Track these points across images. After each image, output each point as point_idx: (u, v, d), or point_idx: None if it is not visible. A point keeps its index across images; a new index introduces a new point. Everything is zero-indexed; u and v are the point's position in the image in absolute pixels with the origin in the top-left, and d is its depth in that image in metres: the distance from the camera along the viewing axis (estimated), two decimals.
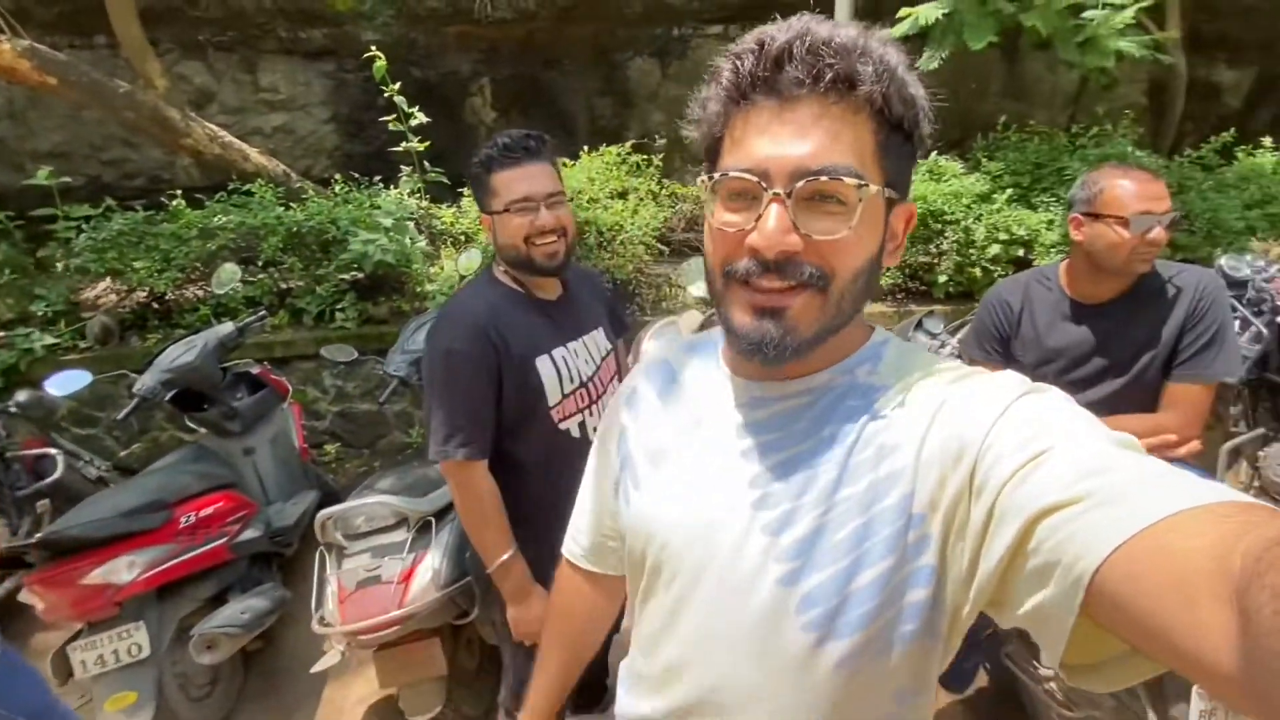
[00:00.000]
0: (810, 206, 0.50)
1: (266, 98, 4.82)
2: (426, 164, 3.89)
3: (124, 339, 3.30)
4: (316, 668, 1.86)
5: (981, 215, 3.55)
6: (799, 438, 0.57)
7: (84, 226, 3.31)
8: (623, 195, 3.86)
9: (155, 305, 3.45)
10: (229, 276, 3.01)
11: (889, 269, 0.60)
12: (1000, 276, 3.48)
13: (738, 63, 0.51)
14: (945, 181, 3.72)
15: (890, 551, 0.51)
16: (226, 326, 2.38)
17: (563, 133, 5.01)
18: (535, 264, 1.21)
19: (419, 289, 3.44)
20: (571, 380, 1.26)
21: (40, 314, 3.24)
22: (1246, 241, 3.57)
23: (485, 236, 1.29)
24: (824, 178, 0.48)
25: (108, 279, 3.43)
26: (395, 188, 3.93)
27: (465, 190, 3.61)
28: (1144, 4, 3.69)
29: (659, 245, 3.74)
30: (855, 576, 0.52)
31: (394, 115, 3.68)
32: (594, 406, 1.31)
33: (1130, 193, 1.39)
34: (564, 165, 3.86)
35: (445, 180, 3.89)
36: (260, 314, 2.63)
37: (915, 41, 4.08)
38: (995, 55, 5.34)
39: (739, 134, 0.52)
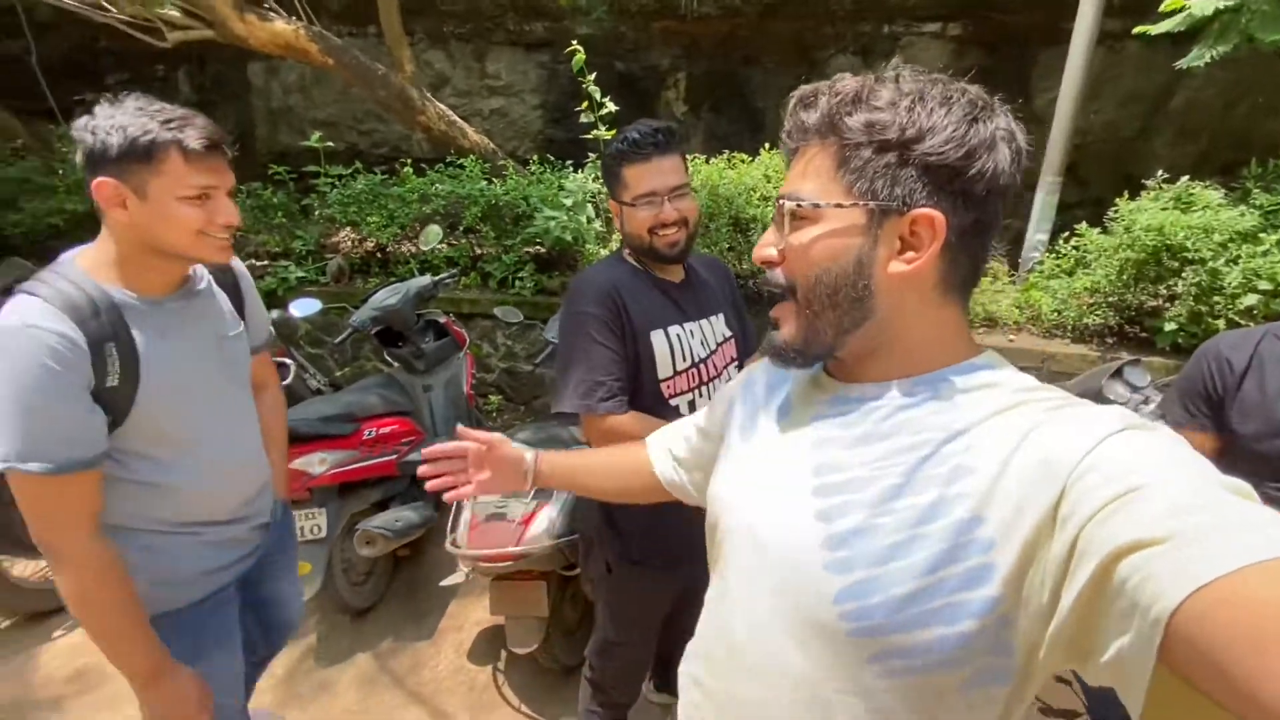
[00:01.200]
0: (788, 225, 0.60)
1: (490, 83, 5.42)
2: None
3: (352, 279, 3.96)
4: (445, 582, 2.11)
5: (1239, 257, 2.92)
6: (866, 439, 0.59)
7: (336, 183, 4.01)
8: None
9: (379, 254, 4.07)
10: (434, 237, 3.46)
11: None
12: None
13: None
14: (1194, 213, 3.11)
15: (939, 568, 0.51)
16: (426, 279, 2.76)
17: (750, 129, 5.00)
18: (658, 253, 1.28)
19: (589, 266, 3.68)
20: (684, 358, 1.29)
21: (298, 251, 4.01)
22: None
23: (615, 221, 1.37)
24: (781, 200, 0.60)
25: (348, 228, 4.12)
26: (581, 171, 4.22)
27: None
28: None
29: None
30: (897, 585, 0.52)
31: (587, 104, 3.95)
32: (705, 388, 1.33)
33: None
34: (742, 161, 3.88)
35: None
36: (454, 273, 3.01)
37: (1180, 41, 3.44)
38: None
39: None
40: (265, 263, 4.05)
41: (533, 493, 1.86)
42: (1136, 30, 3.65)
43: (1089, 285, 3.33)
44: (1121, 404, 2.02)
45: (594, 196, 3.95)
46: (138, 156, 1.01)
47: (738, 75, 5.14)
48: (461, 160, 4.15)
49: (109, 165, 1.02)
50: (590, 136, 4.02)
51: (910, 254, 0.57)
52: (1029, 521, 0.47)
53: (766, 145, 3.96)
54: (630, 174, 1.26)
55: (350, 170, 4.09)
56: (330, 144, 4.15)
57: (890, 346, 0.60)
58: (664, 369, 1.28)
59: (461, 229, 3.90)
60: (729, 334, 1.40)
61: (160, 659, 1.10)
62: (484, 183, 3.90)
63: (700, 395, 1.32)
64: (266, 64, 5.40)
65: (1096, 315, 3.31)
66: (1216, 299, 2.94)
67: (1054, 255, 3.73)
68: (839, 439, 0.61)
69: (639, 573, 1.39)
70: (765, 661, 0.61)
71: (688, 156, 1.62)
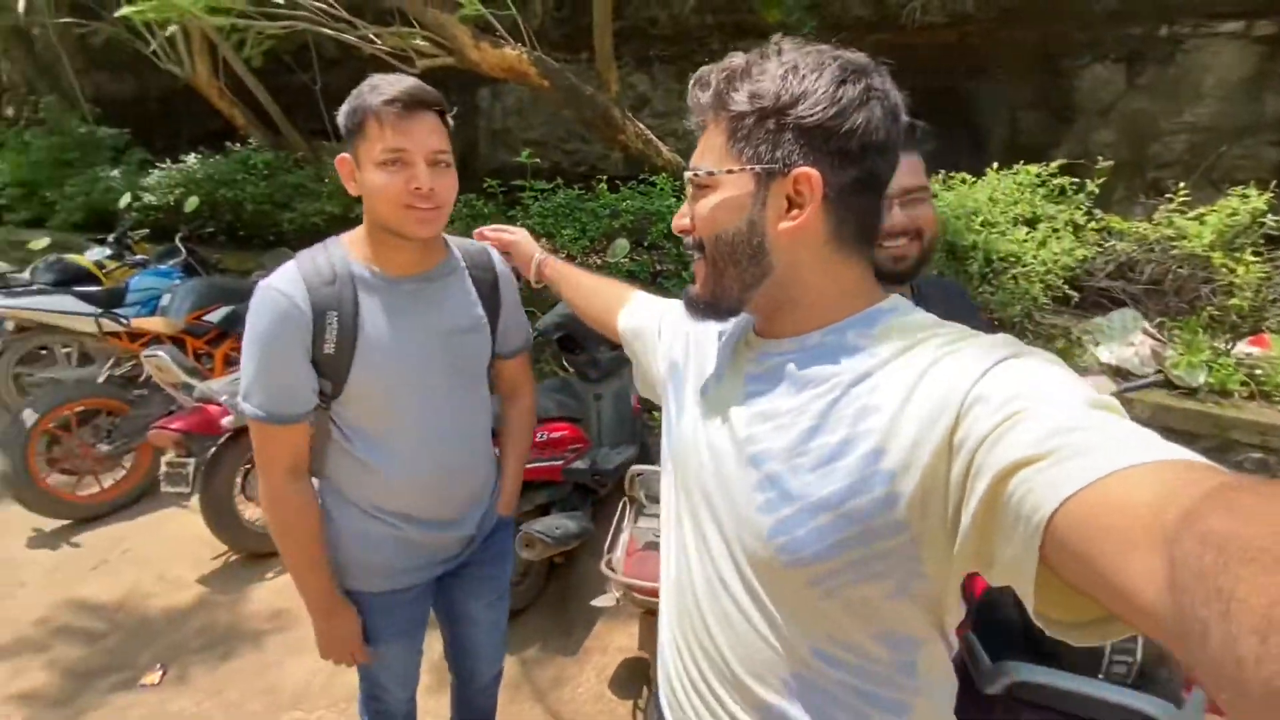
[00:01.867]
0: (694, 196, 0.68)
1: (686, 105, 5.48)
2: None
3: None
4: (596, 602, 2.02)
5: None
6: (785, 389, 0.65)
7: (539, 197, 4.26)
8: (1031, 223, 3.21)
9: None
10: (620, 251, 3.51)
11: None
12: None
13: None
14: None
15: (850, 499, 0.57)
16: None
17: (970, 148, 4.44)
18: (881, 269, 1.04)
19: None
20: None
21: None
22: None
23: None
24: (686, 173, 0.68)
25: (545, 238, 4.36)
26: None
27: None
28: None
29: (1066, 289, 3.00)
30: (815, 516, 0.58)
31: None
32: None
33: None
34: (962, 182, 3.42)
35: None
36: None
37: None
38: None
39: None
40: None
41: None
42: None
43: None
44: None
45: None
46: (352, 127, 1.04)
47: (958, 89, 4.60)
48: (654, 178, 4.19)
49: (345, 142, 1.07)
50: None
51: (795, 211, 0.62)
52: (927, 450, 0.53)
53: (995, 165, 3.45)
54: None
55: (552, 185, 4.33)
56: (538, 161, 4.43)
57: (795, 302, 0.66)
58: None
59: (646, 244, 3.91)
60: None
61: (329, 597, 1.19)
62: (672, 200, 3.89)
63: None
64: (492, 89, 5.99)
65: None
66: None
67: None
68: (764, 391, 0.67)
69: None
70: (728, 607, 0.68)
71: None
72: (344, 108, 1.05)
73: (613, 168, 5.46)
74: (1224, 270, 2.86)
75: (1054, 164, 3.35)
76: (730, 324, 0.77)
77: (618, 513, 1.89)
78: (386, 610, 1.26)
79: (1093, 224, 3.21)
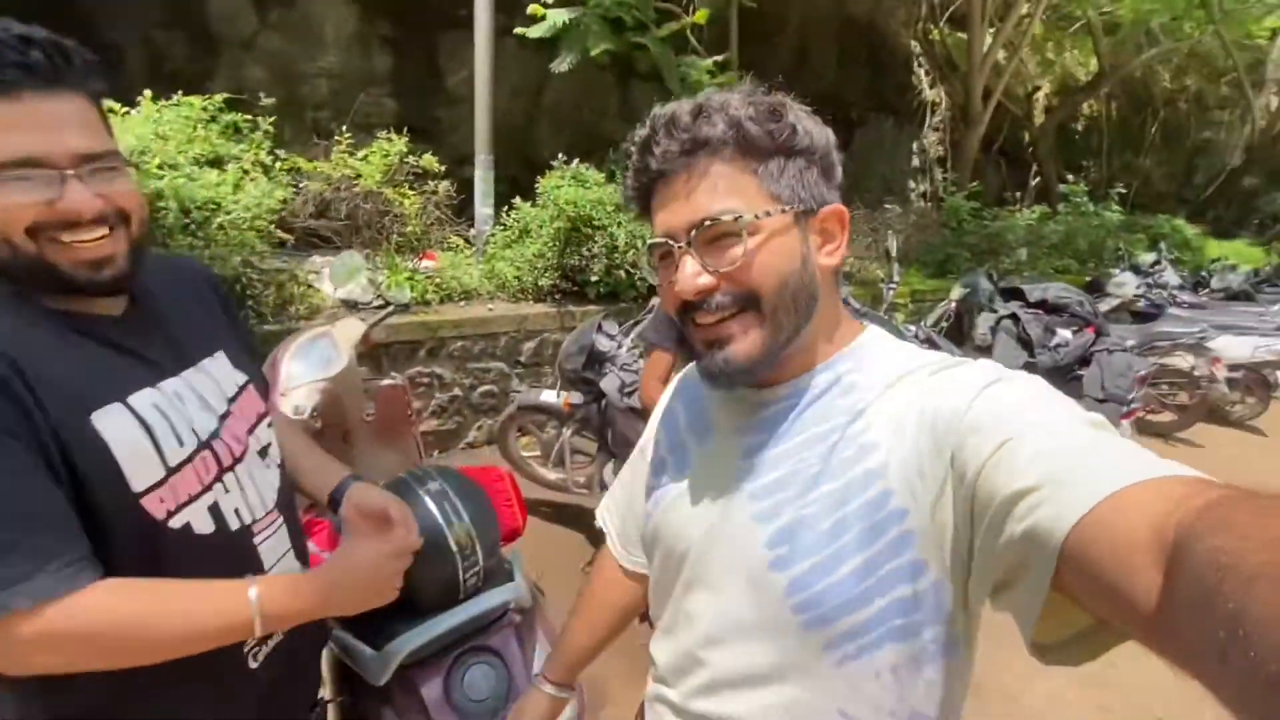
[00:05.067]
0: (713, 248, 0.58)
1: None
2: None
3: None
4: None
5: (622, 222, 3.86)
6: (785, 437, 0.62)
7: None
8: (216, 163, 2.92)
9: None
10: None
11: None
12: (641, 280, 3.85)
13: (628, 162, 0.61)
14: (589, 189, 3.93)
15: (867, 546, 0.54)
16: None
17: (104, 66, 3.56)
18: (73, 279, 0.68)
19: None
20: (179, 443, 0.74)
21: None
22: None
23: None
24: (707, 223, 0.57)
25: None
26: None
27: None
28: (722, 62, 4.55)
29: (278, 233, 2.96)
30: (836, 568, 0.55)
31: None
32: (232, 475, 0.81)
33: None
34: (113, 112, 2.72)
35: None
36: None
37: (542, 46, 4.20)
38: (611, 80, 5.96)
39: (654, 213, 0.62)
40: None
41: None
42: (517, 31, 4.25)
43: (536, 252, 3.84)
44: (609, 350, 2.39)
45: None
46: None
47: None
48: None
49: None
50: None
51: (829, 246, 0.61)
52: (931, 486, 0.52)
53: (147, 93, 2.89)
54: None
55: None
56: None
57: (803, 344, 0.62)
58: (141, 474, 0.70)
59: None
60: (245, 378, 0.87)
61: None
62: None
63: (229, 491, 0.79)
64: None
65: (546, 277, 3.86)
66: (616, 255, 3.83)
67: (502, 228, 4.13)
68: (763, 443, 0.63)
69: None
70: (738, 676, 0.63)
71: None
72: None
73: None
74: (396, 203, 3.43)
75: (216, 97, 3.09)
76: (685, 382, 0.78)
77: None
78: None
79: (280, 165, 3.21)
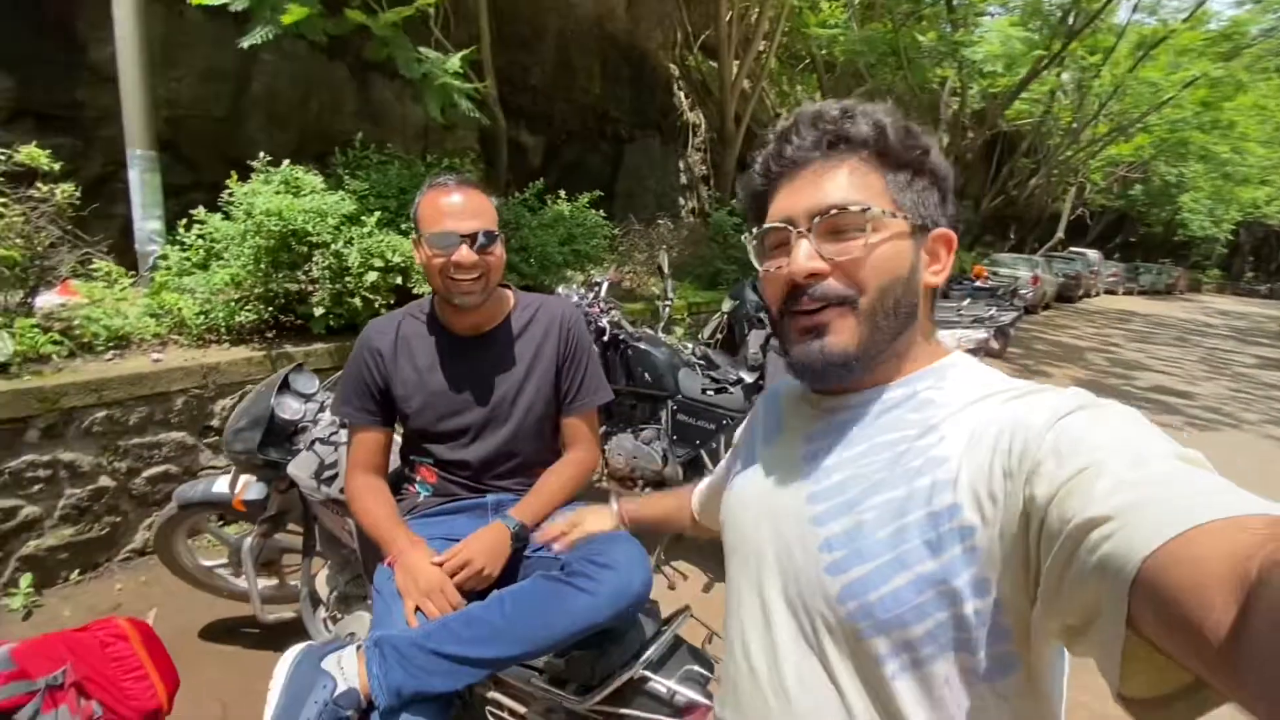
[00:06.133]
0: (833, 239, 0.61)
1: None
2: None
3: None
4: None
5: (353, 239, 3.13)
6: (851, 444, 0.63)
7: None
8: None
9: None
10: None
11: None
12: (383, 307, 3.15)
13: (766, 149, 0.66)
14: (305, 197, 3.12)
15: (928, 558, 0.54)
16: None
17: None
18: None
19: None
20: None
21: None
22: (565, 273, 4.39)
23: None
24: (834, 211, 0.60)
25: None
26: None
27: None
28: (468, 55, 4.01)
29: None
30: (891, 578, 0.55)
31: None
32: None
33: (435, 208, 1.29)
34: None
35: None
36: None
37: (245, 19, 3.29)
38: (345, 74, 5.07)
39: (774, 200, 0.66)
40: None
41: None
42: None
43: (230, 278, 2.92)
44: (296, 419, 1.72)
45: None
46: None
47: None
48: None
49: None
50: None
51: (935, 265, 0.65)
52: (1002, 507, 0.51)
53: None
54: None
55: None
56: None
57: (897, 356, 0.64)
58: None
59: None
60: None
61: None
62: None
63: None
64: None
65: (248, 311, 2.95)
66: (348, 279, 3.09)
67: (179, 247, 3.11)
68: (827, 448, 0.65)
69: None
70: (790, 682, 0.62)
71: None
72: None
73: None
74: None
75: None
76: (769, 394, 0.81)
77: None
78: None
79: None
